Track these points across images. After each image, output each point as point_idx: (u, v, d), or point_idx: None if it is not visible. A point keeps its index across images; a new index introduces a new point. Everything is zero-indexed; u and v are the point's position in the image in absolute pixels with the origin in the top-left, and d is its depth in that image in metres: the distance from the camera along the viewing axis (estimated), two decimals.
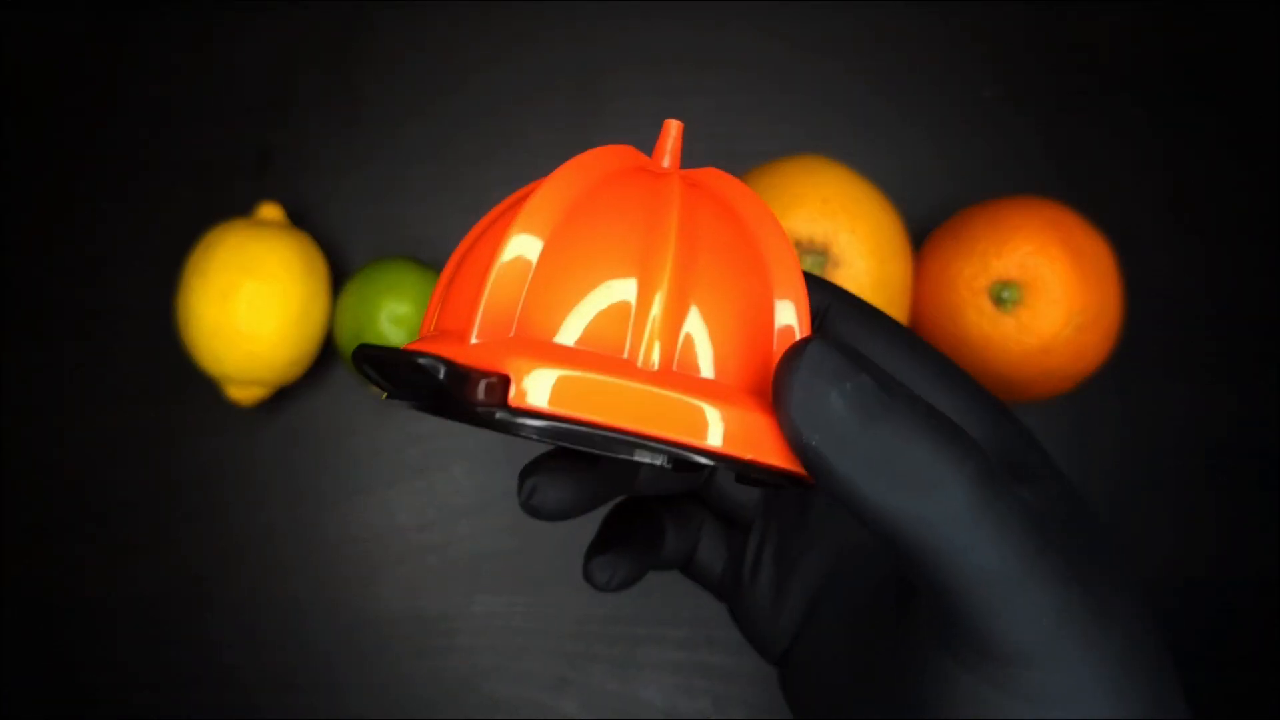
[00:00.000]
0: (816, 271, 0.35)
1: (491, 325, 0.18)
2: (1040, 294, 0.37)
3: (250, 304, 0.41)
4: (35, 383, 0.47)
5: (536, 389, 0.17)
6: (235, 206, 0.46)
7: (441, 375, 0.17)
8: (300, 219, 0.47)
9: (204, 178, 0.48)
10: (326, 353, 0.45)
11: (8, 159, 0.49)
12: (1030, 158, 0.48)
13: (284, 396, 0.46)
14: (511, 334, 0.18)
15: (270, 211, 0.44)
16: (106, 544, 0.46)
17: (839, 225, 0.35)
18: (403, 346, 0.19)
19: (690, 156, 0.49)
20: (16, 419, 0.47)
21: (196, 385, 0.46)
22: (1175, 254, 0.47)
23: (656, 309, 0.18)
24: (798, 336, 0.19)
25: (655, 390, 0.17)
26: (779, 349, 0.19)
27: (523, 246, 0.19)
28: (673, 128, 0.21)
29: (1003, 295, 0.37)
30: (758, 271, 0.20)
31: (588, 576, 0.24)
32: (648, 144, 0.51)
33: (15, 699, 0.46)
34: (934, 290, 0.39)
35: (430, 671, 0.46)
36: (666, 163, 0.21)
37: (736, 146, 0.48)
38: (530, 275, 0.19)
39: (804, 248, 0.35)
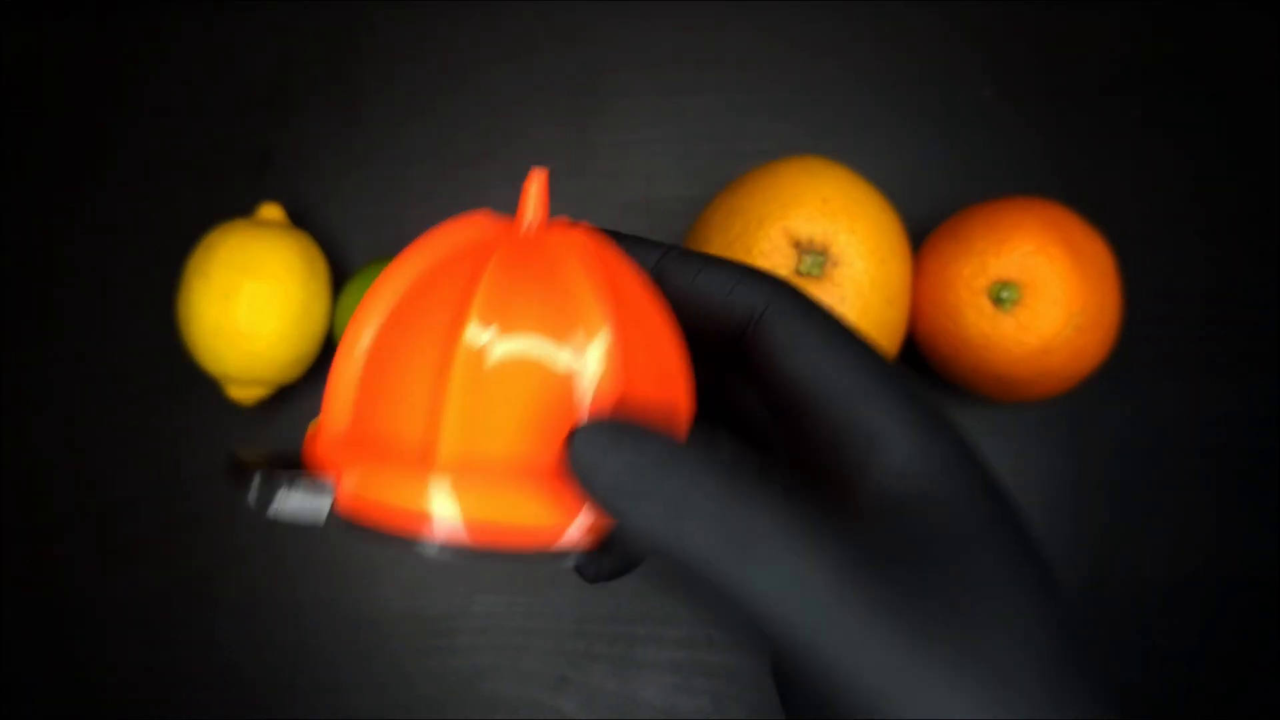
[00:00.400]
0: (815, 272, 0.35)
1: (332, 419, 0.20)
2: (1039, 294, 0.37)
3: (251, 304, 0.41)
4: (37, 382, 0.47)
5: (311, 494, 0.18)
6: (236, 207, 0.47)
7: (228, 471, 0.19)
8: (301, 219, 0.47)
9: (205, 178, 0.48)
10: (327, 352, 0.45)
11: (9, 158, 0.49)
12: (1029, 158, 0.48)
13: (285, 396, 0.46)
14: (344, 428, 0.19)
15: (271, 212, 0.44)
16: (108, 543, 0.46)
17: (838, 225, 0.35)
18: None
19: (691, 157, 0.49)
20: (18, 417, 0.47)
21: (198, 385, 0.46)
22: (1174, 254, 0.47)
23: (453, 393, 0.18)
24: (583, 397, 0.19)
25: (435, 481, 0.18)
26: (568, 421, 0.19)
27: (360, 338, 0.20)
28: (531, 185, 0.21)
29: (1002, 295, 0.37)
30: (561, 327, 0.19)
31: (577, 569, 0.24)
32: (648, 143, 0.51)
33: (19, 697, 0.46)
34: (933, 290, 0.39)
35: (431, 671, 0.46)
36: (527, 221, 0.21)
37: (736, 146, 0.48)
38: (360, 368, 0.20)
39: (803, 247, 0.35)
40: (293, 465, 0.19)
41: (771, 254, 0.35)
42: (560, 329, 0.19)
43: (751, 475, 0.18)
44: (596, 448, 0.18)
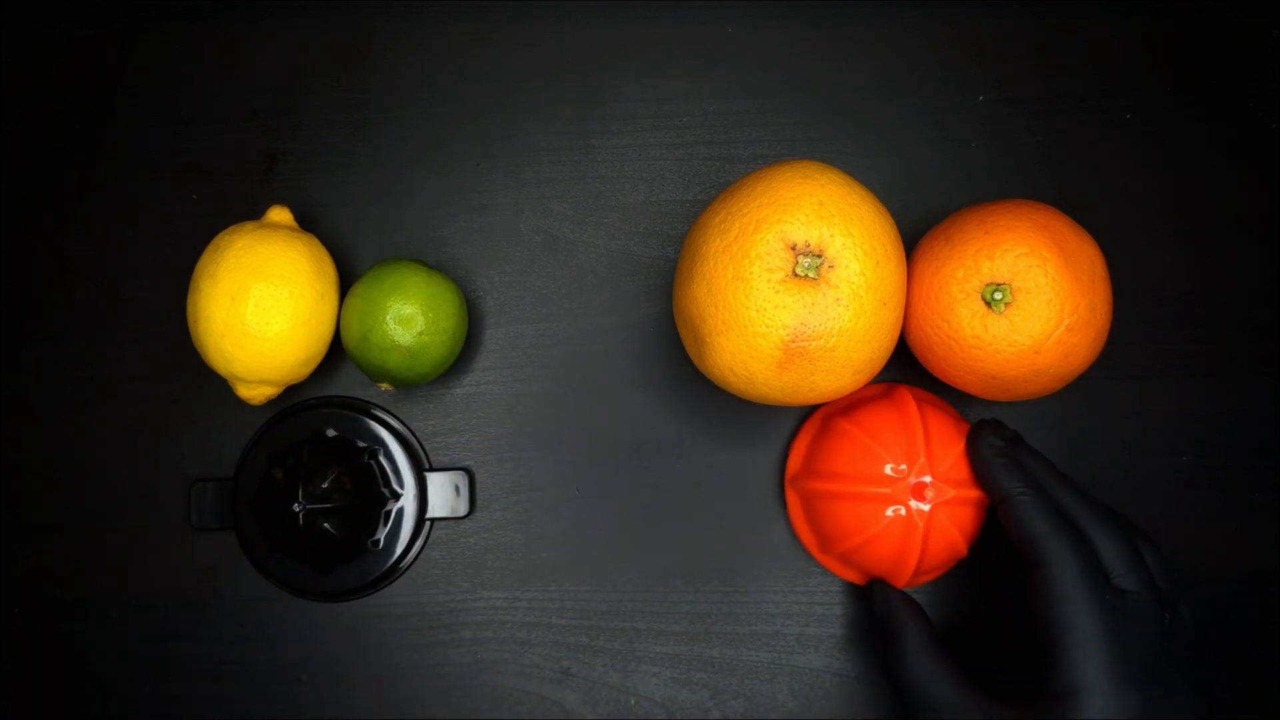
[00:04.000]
0: (811, 275, 0.36)
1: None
2: (1031, 295, 0.38)
3: (259, 305, 0.42)
4: (48, 381, 0.48)
5: None
6: (245, 210, 0.47)
7: None
8: (308, 222, 0.47)
9: (214, 181, 0.49)
10: (334, 353, 0.46)
11: (23, 163, 0.49)
12: (1022, 161, 0.49)
13: (292, 395, 0.47)
14: None
15: (279, 214, 0.45)
16: (117, 540, 0.47)
17: (834, 229, 0.36)
18: None
19: (689, 160, 0.50)
20: (29, 417, 0.48)
21: (207, 384, 0.47)
22: (1165, 256, 0.48)
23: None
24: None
25: None
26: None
27: None
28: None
29: (994, 296, 0.38)
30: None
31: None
32: (648, 147, 0.51)
33: (26, 690, 0.46)
34: (927, 291, 0.40)
35: (434, 665, 0.46)
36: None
37: (734, 150, 0.49)
38: None
39: (799, 250, 0.36)
40: None
41: (768, 257, 0.36)
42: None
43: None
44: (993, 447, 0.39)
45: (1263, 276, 0.48)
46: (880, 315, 0.37)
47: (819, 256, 0.36)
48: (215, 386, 0.46)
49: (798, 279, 0.35)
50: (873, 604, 0.41)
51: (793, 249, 0.36)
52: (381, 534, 0.46)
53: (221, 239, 0.43)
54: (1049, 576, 0.35)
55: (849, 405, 0.43)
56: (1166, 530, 0.45)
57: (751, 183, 0.38)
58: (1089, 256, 0.39)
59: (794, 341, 0.35)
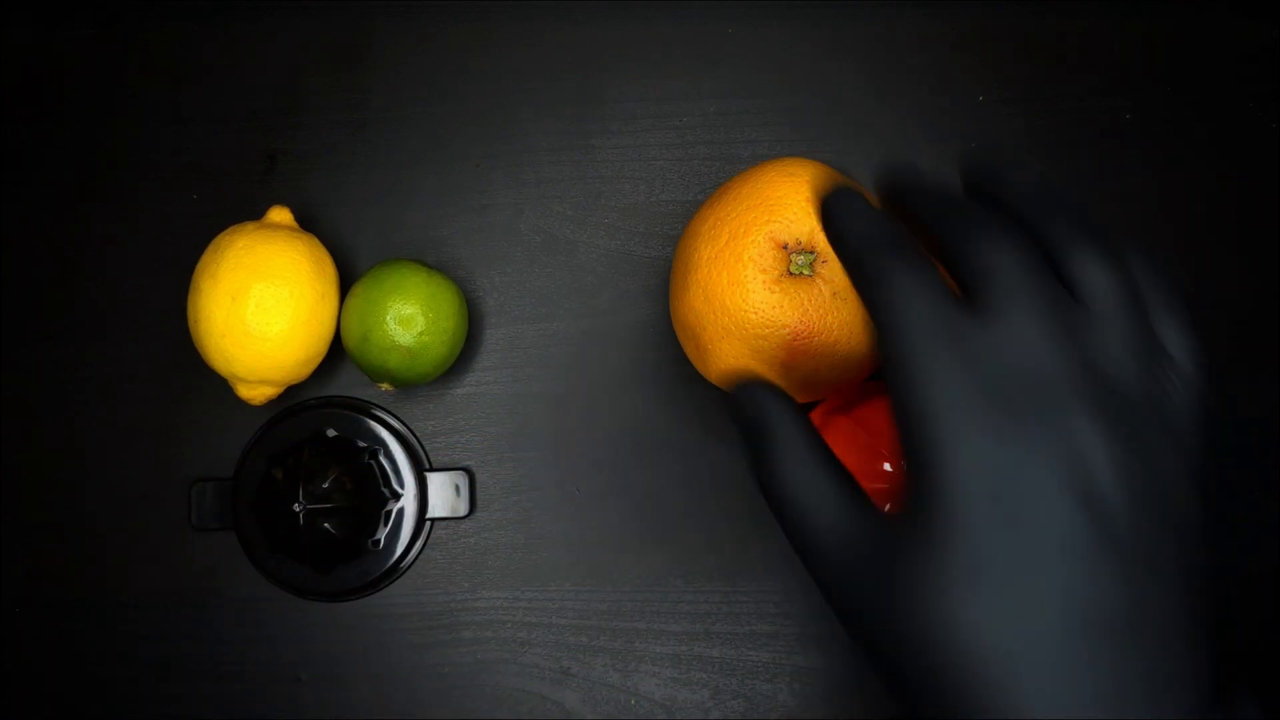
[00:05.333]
0: (806, 271, 0.36)
1: None
2: None
3: (259, 305, 0.42)
4: (48, 381, 0.48)
5: None
6: (245, 210, 0.47)
7: None
8: (308, 222, 0.48)
9: (214, 181, 0.49)
10: (334, 353, 0.46)
11: (22, 162, 0.49)
12: (1023, 161, 0.49)
13: (293, 395, 0.47)
14: None
15: (279, 214, 0.45)
16: (117, 540, 0.47)
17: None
18: None
19: (689, 160, 0.50)
20: (29, 417, 0.48)
21: (207, 384, 0.47)
22: (1165, 256, 0.48)
23: None
24: None
25: None
26: None
27: None
28: None
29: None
30: None
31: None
32: (647, 147, 0.51)
33: (26, 690, 0.47)
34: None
35: (434, 665, 0.46)
36: None
37: (733, 151, 0.49)
38: None
39: (792, 249, 0.36)
40: None
41: (760, 259, 0.36)
42: None
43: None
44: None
45: (1264, 276, 0.48)
46: None
47: (811, 253, 0.36)
48: (215, 386, 0.46)
49: (793, 277, 0.36)
50: (740, 409, 0.29)
51: (784, 248, 0.36)
52: (381, 534, 0.46)
53: (222, 239, 0.43)
54: (877, 302, 0.25)
55: (850, 402, 0.43)
56: None
57: (737, 185, 0.38)
58: None
59: (796, 340, 0.36)
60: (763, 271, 0.36)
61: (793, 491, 0.26)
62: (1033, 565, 0.22)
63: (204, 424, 0.48)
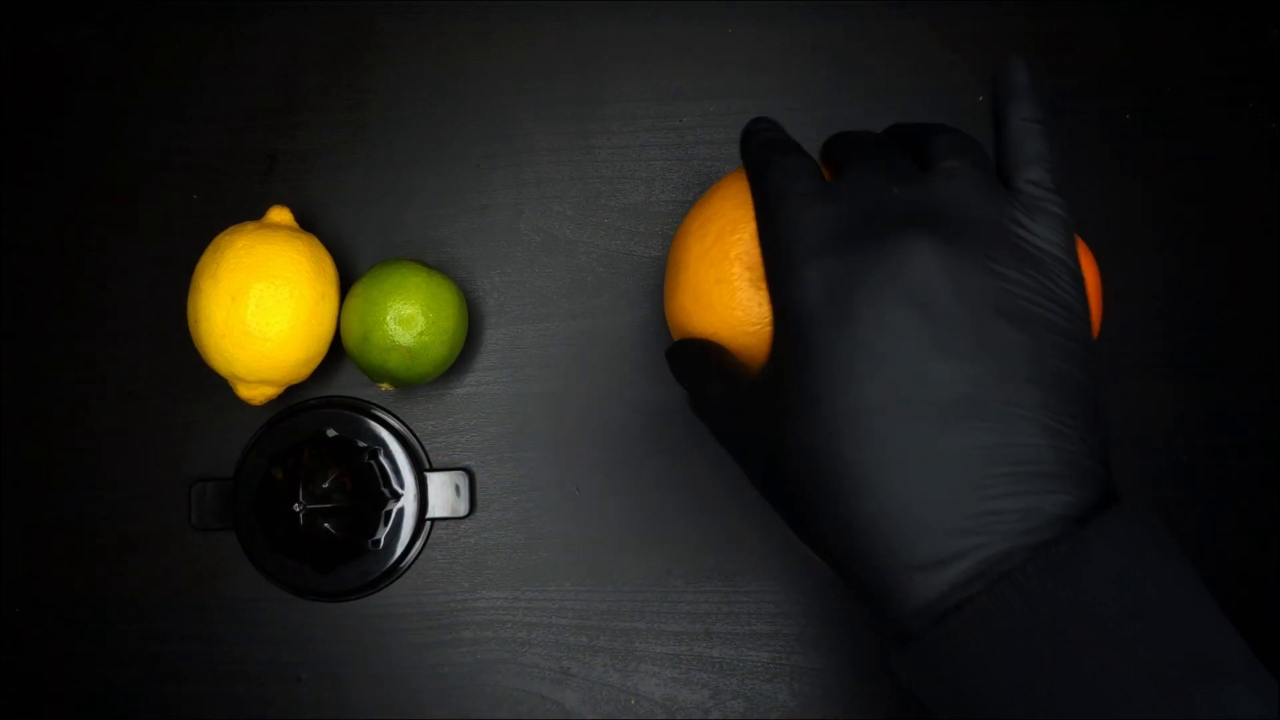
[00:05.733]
0: None
1: None
2: None
3: (260, 305, 0.42)
4: (48, 380, 0.48)
5: None
6: (245, 210, 0.47)
7: None
8: (308, 222, 0.48)
9: (214, 182, 0.49)
10: (334, 353, 0.46)
11: (22, 163, 0.49)
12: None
13: (293, 395, 0.47)
14: None
15: (279, 214, 0.45)
16: (117, 540, 0.47)
17: None
18: None
19: (689, 160, 0.50)
20: (29, 417, 0.48)
21: (207, 384, 0.47)
22: (1166, 256, 0.48)
23: None
24: None
25: None
26: None
27: None
28: None
29: None
30: None
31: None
32: (648, 148, 0.51)
33: (26, 690, 0.47)
34: None
35: (434, 665, 0.46)
36: None
37: (734, 151, 0.49)
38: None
39: None
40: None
41: (746, 256, 0.36)
42: None
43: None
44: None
45: (1264, 276, 0.48)
46: None
47: None
48: (215, 386, 0.46)
49: None
50: (679, 364, 0.34)
51: None
52: (381, 534, 0.46)
53: (222, 239, 0.43)
54: (757, 186, 0.30)
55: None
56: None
57: (727, 184, 0.38)
58: (1081, 258, 0.39)
59: None
60: (748, 269, 0.36)
61: (716, 404, 0.30)
62: (868, 355, 0.24)
63: (204, 424, 0.48)
